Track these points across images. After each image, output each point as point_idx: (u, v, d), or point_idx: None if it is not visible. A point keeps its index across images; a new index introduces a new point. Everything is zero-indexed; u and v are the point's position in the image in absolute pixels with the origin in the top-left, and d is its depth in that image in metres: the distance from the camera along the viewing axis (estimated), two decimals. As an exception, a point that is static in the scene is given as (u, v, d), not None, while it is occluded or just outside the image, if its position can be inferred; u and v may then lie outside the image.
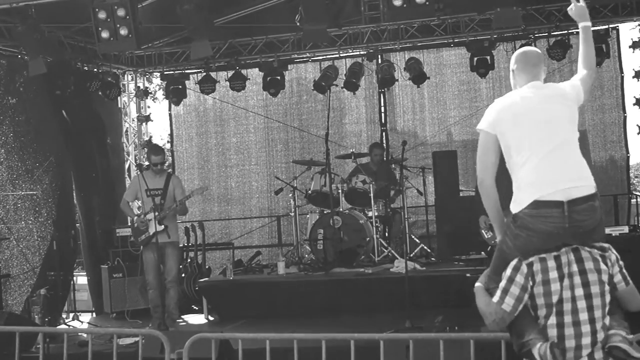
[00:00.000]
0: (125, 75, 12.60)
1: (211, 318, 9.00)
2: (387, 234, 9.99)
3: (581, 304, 3.52)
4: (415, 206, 11.60)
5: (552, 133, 3.68)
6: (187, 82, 12.15)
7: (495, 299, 3.64)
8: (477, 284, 3.87)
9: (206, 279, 9.70)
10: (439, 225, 9.90)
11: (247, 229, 12.79)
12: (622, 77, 11.42)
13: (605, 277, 3.57)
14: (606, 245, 3.67)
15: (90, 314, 10.37)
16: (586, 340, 3.49)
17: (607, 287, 3.57)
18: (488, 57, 10.85)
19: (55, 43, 10.13)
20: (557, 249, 3.60)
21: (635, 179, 23.09)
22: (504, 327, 3.67)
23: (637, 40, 10.90)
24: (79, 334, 8.50)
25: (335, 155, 10.75)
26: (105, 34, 8.22)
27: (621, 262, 3.66)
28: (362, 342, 5.43)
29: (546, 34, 10.69)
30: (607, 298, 3.57)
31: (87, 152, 10.75)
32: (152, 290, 8.45)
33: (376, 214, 9.57)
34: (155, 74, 13.80)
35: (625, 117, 11.50)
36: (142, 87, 12.87)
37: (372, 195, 9.51)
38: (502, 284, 3.63)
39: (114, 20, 8.10)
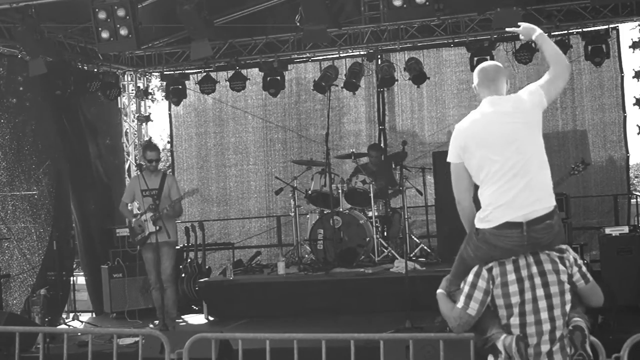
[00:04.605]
0: (125, 76, 12.59)
1: (211, 318, 9.00)
2: (386, 234, 9.99)
3: (542, 303, 3.70)
4: (415, 206, 11.59)
5: (515, 155, 3.78)
6: (187, 82, 12.14)
7: (460, 304, 3.81)
8: (438, 291, 4.03)
9: (206, 279, 9.71)
10: (439, 225, 9.88)
11: (246, 229, 12.78)
12: (622, 77, 11.41)
13: (564, 277, 3.75)
14: (564, 247, 3.86)
15: (90, 314, 10.37)
16: (545, 337, 3.66)
17: (566, 287, 3.75)
18: (488, 57, 10.79)
19: (55, 43, 10.12)
20: (516, 255, 3.80)
21: (635, 179, 23.10)
22: (468, 329, 3.85)
23: (637, 40, 10.90)
24: (79, 334, 8.49)
25: (335, 155, 10.74)
26: (105, 34, 8.23)
27: (580, 262, 3.85)
28: (362, 342, 5.44)
29: (546, 34, 10.64)
30: (567, 297, 3.74)
31: (84, 153, 10.73)
32: (154, 290, 8.42)
33: (376, 214, 9.57)
34: (155, 74, 13.78)
35: (625, 117, 11.48)
36: (142, 87, 12.86)
37: (372, 195, 9.51)
38: (466, 289, 3.80)
39: (114, 20, 8.10)
